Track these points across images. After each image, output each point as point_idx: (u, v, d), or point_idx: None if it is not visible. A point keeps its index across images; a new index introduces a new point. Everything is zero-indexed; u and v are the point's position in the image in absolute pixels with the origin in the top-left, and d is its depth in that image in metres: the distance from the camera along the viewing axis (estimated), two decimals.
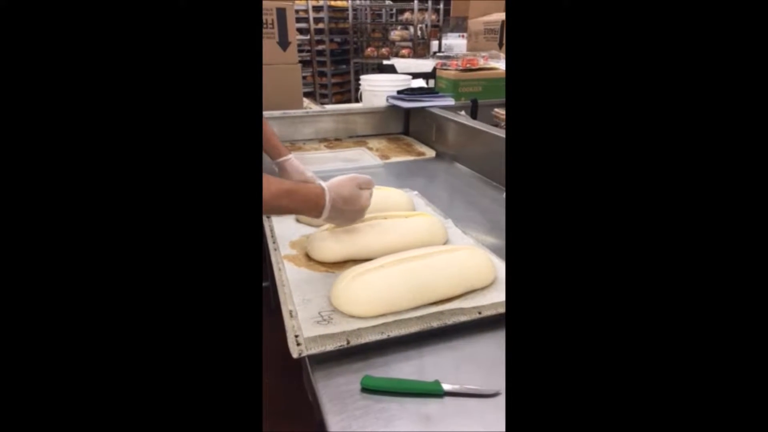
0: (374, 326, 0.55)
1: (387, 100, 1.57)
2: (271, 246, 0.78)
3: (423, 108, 1.48)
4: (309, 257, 0.74)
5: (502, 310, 0.59)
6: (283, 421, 1.35)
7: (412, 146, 1.47)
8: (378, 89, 1.65)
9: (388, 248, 0.71)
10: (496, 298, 0.62)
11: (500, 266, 0.70)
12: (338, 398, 0.48)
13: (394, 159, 1.34)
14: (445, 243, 0.78)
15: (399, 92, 1.56)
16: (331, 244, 0.73)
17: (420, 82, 1.81)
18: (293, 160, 0.99)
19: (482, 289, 0.64)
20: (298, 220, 0.89)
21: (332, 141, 1.54)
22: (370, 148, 1.44)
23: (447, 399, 0.47)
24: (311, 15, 4.52)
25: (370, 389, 0.48)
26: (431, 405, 0.47)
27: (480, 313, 0.59)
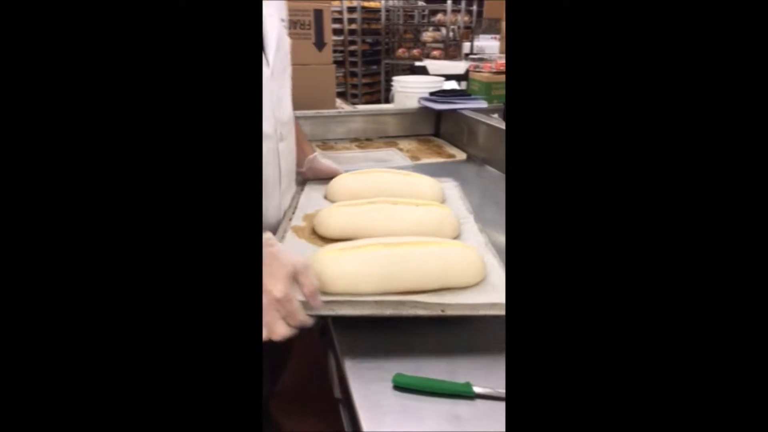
0: (326, 301, 0.56)
1: (419, 101, 1.57)
2: (287, 216, 0.82)
3: (454, 110, 1.47)
4: (314, 231, 0.76)
5: (470, 312, 0.56)
6: (304, 419, 1.37)
7: (442, 148, 1.47)
8: (410, 91, 1.65)
9: (388, 233, 0.70)
10: (469, 299, 0.58)
11: (497, 269, 0.65)
12: (369, 395, 0.48)
13: (425, 160, 1.34)
14: (455, 238, 0.75)
15: (431, 94, 1.56)
16: (334, 221, 0.74)
17: (452, 84, 1.80)
18: (318, 155, 1.02)
19: (463, 288, 0.61)
20: (325, 197, 0.91)
21: (363, 141, 1.55)
22: (401, 149, 1.45)
23: (478, 401, 0.48)
24: (345, 16, 4.56)
25: (402, 387, 0.49)
26: (462, 406, 0.47)
27: (443, 311, 0.56)
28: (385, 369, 0.51)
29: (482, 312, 0.56)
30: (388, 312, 0.56)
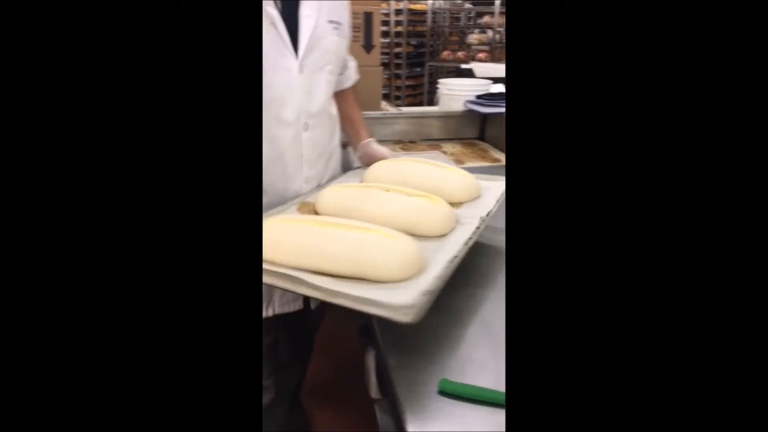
0: None
1: (465, 104, 1.56)
2: (308, 194, 0.87)
3: (501, 114, 1.45)
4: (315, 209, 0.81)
5: (352, 305, 0.51)
6: (337, 414, 1.39)
7: (487, 152, 1.45)
8: (456, 93, 1.64)
9: (370, 218, 0.69)
10: (363, 292, 0.52)
11: (435, 272, 0.58)
12: (414, 397, 0.48)
13: (469, 164, 1.33)
14: (444, 234, 0.71)
15: (478, 97, 1.54)
16: (326, 200, 0.79)
17: (499, 87, 1.77)
18: (372, 141, 1.03)
19: (383, 282, 0.56)
20: (361, 182, 0.91)
21: (407, 143, 1.55)
22: (445, 152, 1.44)
23: None
24: (392, 18, 4.59)
25: (447, 393, 0.48)
26: None
27: (326, 298, 0.52)
28: (429, 371, 0.51)
29: (363, 308, 0.50)
30: (282, 284, 0.56)
